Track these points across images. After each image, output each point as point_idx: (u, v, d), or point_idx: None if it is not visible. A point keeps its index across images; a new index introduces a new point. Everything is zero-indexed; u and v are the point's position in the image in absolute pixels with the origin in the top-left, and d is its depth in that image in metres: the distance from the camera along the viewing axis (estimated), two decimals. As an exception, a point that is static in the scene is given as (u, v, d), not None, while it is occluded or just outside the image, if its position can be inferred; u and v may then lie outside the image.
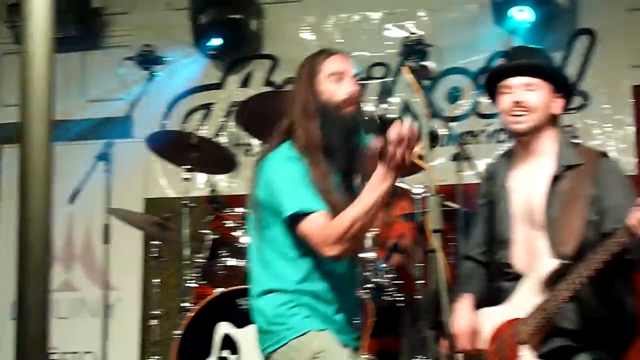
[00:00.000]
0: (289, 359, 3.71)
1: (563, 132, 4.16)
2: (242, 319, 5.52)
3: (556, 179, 3.95)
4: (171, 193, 8.15)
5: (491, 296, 4.13)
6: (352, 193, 3.81)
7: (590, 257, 3.66)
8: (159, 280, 6.82)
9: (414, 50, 7.57)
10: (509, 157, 4.22)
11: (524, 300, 3.90)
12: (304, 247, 3.71)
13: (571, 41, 7.73)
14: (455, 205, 5.50)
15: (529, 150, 4.07)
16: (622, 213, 3.66)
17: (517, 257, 4.02)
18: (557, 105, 4.06)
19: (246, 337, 5.52)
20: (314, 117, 3.82)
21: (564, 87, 4.11)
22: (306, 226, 3.64)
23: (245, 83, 8.29)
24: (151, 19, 8.47)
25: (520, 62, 4.12)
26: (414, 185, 5.74)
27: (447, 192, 6.19)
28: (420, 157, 3.65)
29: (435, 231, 3.33)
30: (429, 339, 3.52)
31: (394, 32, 8.06)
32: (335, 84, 3.87)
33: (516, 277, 3.98)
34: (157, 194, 8.21)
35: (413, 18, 8.05)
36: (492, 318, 4.05)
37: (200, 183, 7.52)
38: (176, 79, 8.25)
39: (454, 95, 7.89)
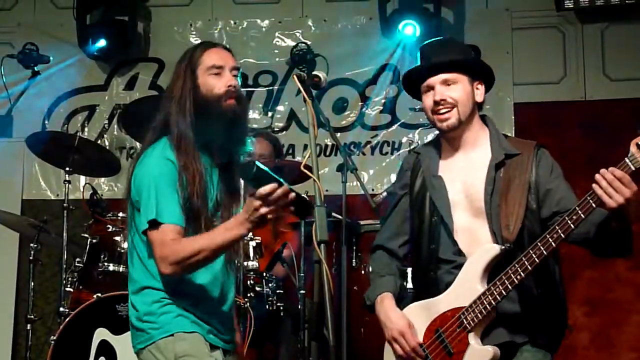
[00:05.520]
0: (155, 359, 3.70)
1: (491, 121, 4.20)
2: (120, 326, 5.44)
3: (497, 166, 3.98)
4: (51, 195, 8.01)
5: (425, 287, 4.09)
6: (231, 188, 3.86)
7: (542, 239, 3.69)
8: (34, 283, 6.63)
9: (302, 59, 7.63)
10: (435, 147, 4.22)
11: (463, 289, 3.88)
12: None
13: (457, 56, 7.85)
14: (339, 216, 5.51)
15: (460, 141, 4.10)
16: (559, 199, 3.83)
17: (460, 243, 3.99)
18: (479, 92, 4.11)
19: (124, 344, 5.42)
20: (188, 114, 3.77)
21: (480, 73, 4.14)
22: (153, 235, 3.64)
23: (130, 86, 8.18)
24: (35, 17, 8.30)
25: (432, 62, 4.10)
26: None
27: (331, 202, 6.21)
28: (307, 167, 3.62)
29: (321, 242, 3.31)
30: (310, 351, 3.49)
31: (282, 41, 8.06)
32: (215, 77, 3.83)
33: (456, 266, 3.96)
34: (36, 196, 8.04)
35: (301, 27, 8.06)
36: (420, 313, 4.02)
37: (81, 186, 7.35)
38: (59, 79, 8.09)
39: (340, 106, 7.92)
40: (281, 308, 5.98)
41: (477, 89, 4.10)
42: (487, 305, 3.79)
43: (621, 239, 3.77)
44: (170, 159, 3.71)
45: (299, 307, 5.79)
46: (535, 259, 3.69)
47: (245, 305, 5.59)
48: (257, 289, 5.89)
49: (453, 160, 4.13)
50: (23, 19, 8.30)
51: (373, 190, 7.48)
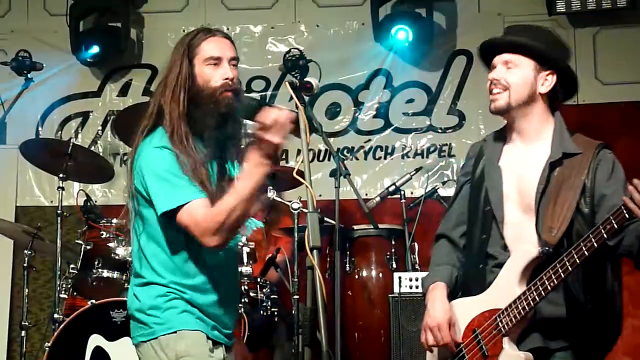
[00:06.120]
0: (156, 355, 3.64)
1: (559, 116, 3.98)
2: (114, 332, 5.44)
3: (553, 165, 3.84)
4: (44, 201, 8.00)
5: (473, 281, 3.98)
6: (230, 182, 3.68)
7: (576, 247, 3.57)
8: (29, 290, 6.62)
9: (295, 64, 7.64)
10: (502, 136, 4.09)
11: (502, 290, 3.80)
12: (182, 240, 3.62)
13: (449, 61, 7.88)
14: (332, 221, 5.52)
15: (519, 130, 3.97)
16: (613, 205, 3.58)
17: (506, 238, 3.89)
18: (547, 82, 3.92)
19: (118, 350, 5.44)
20: (182, 104, 3.66)
21: (549, 63, 3.92)
22: (183, 218, 3.52)
23: (123, 92, 8.19)
24: (28, 24, 8.31)
25: (495, 39, 4.04)
26: (293, 200, 5.75)
27: (324, 207, 6.22)
28: (300, 172, 3.62)
29: (313, 248, 3.31)
30: (304, 356, 3.48)
31: (275, 46, 8.08)
32: (212, 68, 3.72)
33: (497, 265, 3.87)
34: (30, 202, 8.04)
35: (294, 33, 8.08)
36: (465, 309, 3.93)
37: (75, 192, 7.34)
38: (53, 86, 8.09)
39: (333, 111, 7.94)
40: (275, 313, 5.99)
41: (544, 79, 3.91)
42: (522, 310, 3.70)
43: None
44: (169, 148, 3.61)
45: (293, 312, 5.80)
46: (569, 267, 3.58)
47: (240, 311, 5.60)
48: (251, 294, 5.91)
49: (514, 149, 4.00)
50: (16, 25, 8.31)
51: (366, 195, 7.48)
